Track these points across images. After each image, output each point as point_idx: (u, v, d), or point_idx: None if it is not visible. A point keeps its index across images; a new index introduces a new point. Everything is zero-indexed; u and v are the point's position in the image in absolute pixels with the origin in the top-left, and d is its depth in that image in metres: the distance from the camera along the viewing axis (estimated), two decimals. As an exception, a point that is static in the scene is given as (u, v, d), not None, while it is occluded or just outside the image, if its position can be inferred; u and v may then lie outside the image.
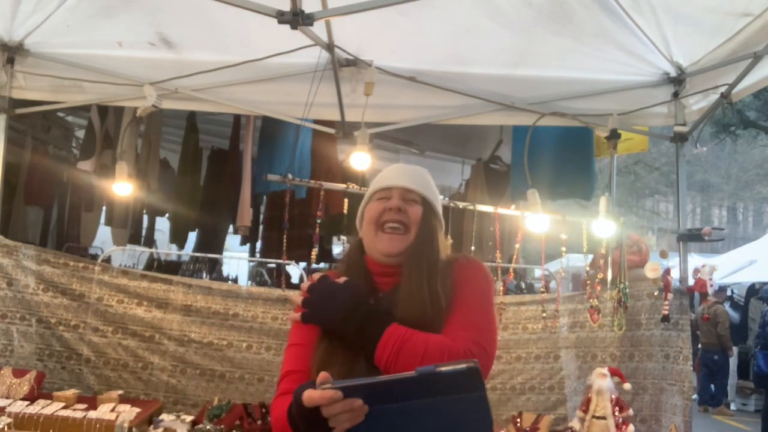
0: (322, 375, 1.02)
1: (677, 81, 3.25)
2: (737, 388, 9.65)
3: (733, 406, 9.45)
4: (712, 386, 9.23)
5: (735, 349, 9.42)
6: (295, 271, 4.32)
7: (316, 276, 1.14)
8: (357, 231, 1.56)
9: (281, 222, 3.29)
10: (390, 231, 1.44)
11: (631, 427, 2.87)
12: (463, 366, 0.95)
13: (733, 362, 9.46)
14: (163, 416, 3.04)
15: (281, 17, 2.34)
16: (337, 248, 6.35)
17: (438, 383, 0.95)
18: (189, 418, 2.99)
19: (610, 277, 3.32)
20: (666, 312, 3.08)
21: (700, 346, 8.88)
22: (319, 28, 2.69)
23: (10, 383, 3.01)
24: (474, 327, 1.31)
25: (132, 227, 5.31)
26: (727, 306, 9.78)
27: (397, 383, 0.98)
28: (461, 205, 3.45)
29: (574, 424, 2.99)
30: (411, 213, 1.46)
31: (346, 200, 3.36)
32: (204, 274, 5.72)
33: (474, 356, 1.18)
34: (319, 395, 0.97)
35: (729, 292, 10.63)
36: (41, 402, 2.92)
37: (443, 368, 0.94)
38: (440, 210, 1.56)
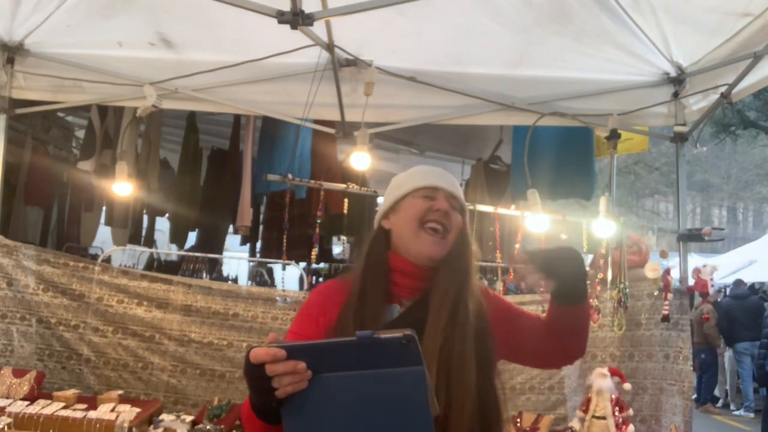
0: (272, 335, 1.03)
1: (677, 81, 3.25)
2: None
3: (732, 407, 9.45)
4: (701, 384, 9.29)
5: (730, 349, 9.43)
6: (295, 271, 4.31)
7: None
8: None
9: (281, 222, 3.30)
10: (432, 233, 1.39)
11: (631, 427, 2.87)
12: (400, 335, 0.95)
13: (732, 362, 9.47)
14: (163, 416, 3.04)
15: (281, 17, 2.34)
16: (337, 248, 6.35)
17: (378, 353, 0.96)
18: (189, 418, 2.99)
19: (610, 277, 3.32)
20: (666, 312, 3.08)
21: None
22: (319, 28, 2.69)
23: (10, 383, 3.01)
24: None
25: (132, 227, 5.31)
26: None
27: (339, 347, 0.99)
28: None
29: (574, 424, 3.00)
30: (453, 219, 1.42)
31: (346, 200, 3.37)
32: (204, 274, 5.72)
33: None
34: (264, 352, 0.97)
35: (725, 293, 10.64)
36: (41, 402, 2.92)
37: (381, 335, 0.96)
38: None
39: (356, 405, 0.99)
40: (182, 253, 5.63)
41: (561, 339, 1.47)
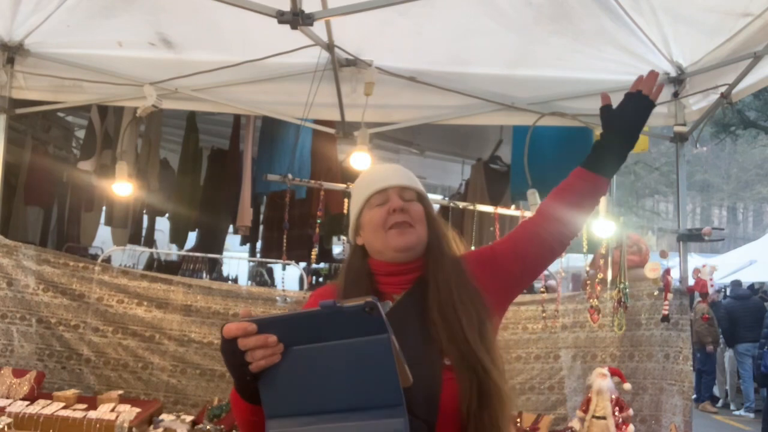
0: (244, 310, 1.06)
1: (677, 81, 3.24)
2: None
3: (732, 407, 9.46)
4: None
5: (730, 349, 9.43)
6: (295, 271, 4.32)
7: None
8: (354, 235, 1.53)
9: (281, 222, 3.30)
10: (397, 227, 1.40)
11: (631, 427, 2.88)
12: (362, 303, 0.96)
13: (731, 362, 9.48)
14: (163, 416, 3.04)
15: (281, 17, 2.34)
16: (337, 248, 6.35)
17: (344, 323, 0.98)
18: (189, 418, 3.00)
19: (610, 277, 3.31)
20: (666, 312, 3.08)
21: None
22: (319, 28, 2.69)
23: (10, 383, 3.01)
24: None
25: (132, 227, 5.31)
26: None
27: (306, 319, 1.01)
28: (461, 205, 3.45)
29: (574, 424, 3.00)
30: (413, 211, 1.42)
31: (346, 200, 3.36)
32: (204, 274, 5.73)
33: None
34: (236, 326, 1.00)
35: (725, 293, 10.65)
36: (41, 402, 2.93)
37: (344, 303, 0.97)
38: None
39: (327, 375, 1.00)
40: (182, 253, 5.63)
41: (564, 208, 1.49)
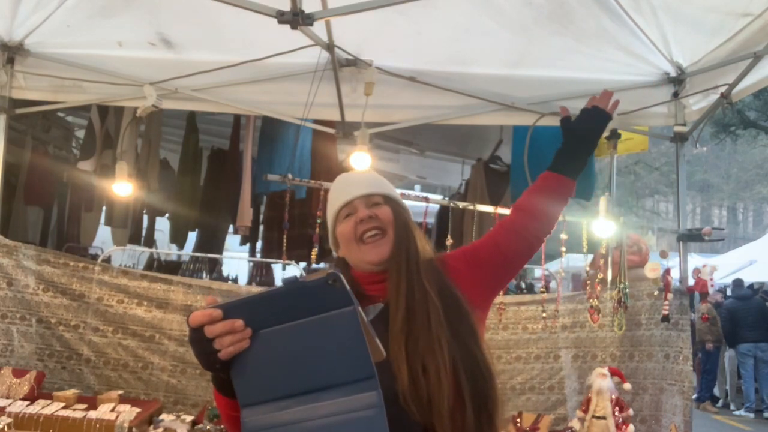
0: (210, 297, 1.04)
1: (677, 81, 3.24)
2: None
3: (732, 407, 9.46)
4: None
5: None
6: (294, 270, 4.32)
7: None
8: None
9: (281, 222, 3.29)
10: (371, 240, 1.42)
11: (631, 427, 2.88)
12: (325, 276, 0.94)
13: (732, 362, 9.48)
14: (163, 416, 3.04)
15: (281, 17, 2.34)
16: (337, 248, 6.35)
17: (309, 300, 0.96)
18: (189, 418, 3.00)
19: (610, 277, 3.31)
20: (666, 312, 3.08)
21: None
22: (319, 28, 2.69)
23: (10, 383, 3.01)
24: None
25: (132, 227, 5.31)
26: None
27: (271, 299, 0.99)
28: (461, 205, 3.45)
29: (574, 424, 3.00)
30: (381, 215, 1.43)
31: (346, 200, 3.36)
32: (204, 274, 5.73)
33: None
34: (200, 314, 0.99)
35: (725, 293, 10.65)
36: (41, 402, 2.93)
37: (306, 279, 0.96)
38: (404, 202, 1.55)
39: (297, 356, 0.98)
40: (182, 253, 5.63)
41: (536, 206, 1.62)
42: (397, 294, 1.34)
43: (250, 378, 1.00)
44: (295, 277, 0.97)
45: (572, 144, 1.78)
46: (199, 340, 1.00)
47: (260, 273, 6.21)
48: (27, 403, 2.89)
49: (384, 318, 1.33)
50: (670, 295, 3.09)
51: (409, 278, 1.36)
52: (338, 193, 1.52)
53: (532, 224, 1.60)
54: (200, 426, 2.95)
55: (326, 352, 0.97)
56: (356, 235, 1.43)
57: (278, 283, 4.71)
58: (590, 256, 3.39)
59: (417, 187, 8.12)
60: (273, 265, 6.01)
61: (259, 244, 5.93)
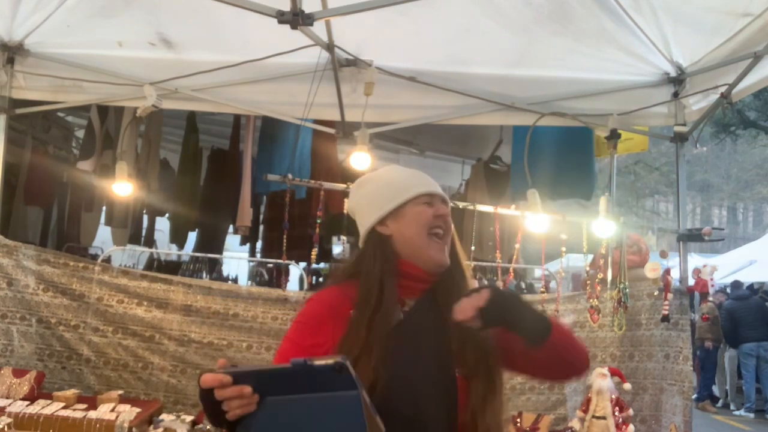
0: (221, 361, 1.09)
1: (677, 81, 3.25)
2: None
3: (732, 407, 9.46)
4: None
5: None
6: (294, 270, 4.32)
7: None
8: (356, 231, 1.52)
9: (281, 222, 3.29)
10: (441, 240, 1.43)
11: (631, 427, 2.88)
12: (332, 362, 1.00)
13: (732, 362, 9.48)
14: (163, 416, 3.04)
15: (281, 17, 2.34)
16: (337, 248, 6.35)
17: (316, 377, 1.02)
18: (189, 418, 2.99)
19: (610, 277, 3.32)
20: (666, 312, 3.08)
21: None
22: (319, 28, 2.69)
23: (10, 383, 3.01)
24: None
25: (132, 227, 5.31)
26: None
27: (280, 373, 1.06)
28: (461, 205, 3.45)
29: (574, 424, 3.00)
30: (449, 226, 1.46)
31: (346, 200, 3.35)
32: (204, 274, 5.72)
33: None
34: (212, 378, 1.03)
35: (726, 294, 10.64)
36: (41, 402, 2.93)
37: (315, 362, 1.01)
38: None
39: (300, 426, 1.05)
40: (182, 253, 5.63)
41: (551, 369, 1.43)
42: (448, 301, 1.31)
43: None
44: (305, 360, 1.01)
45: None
46: (209, 400, 1.05)
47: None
48: (27, 403, 2.89)
49: (413, 321, 1.36)
50: (670, 295, 3.09)
51: (458, 288, 1.38)
52: (420, 180, 1.49)
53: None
54: (200, 426, 2.94)
55: (327, 426, 1.03)
56: (430, 225, 1.42)
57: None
58: (590, 256, 3.38)
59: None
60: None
61: (259, 244, 5.93)
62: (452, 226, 1.48)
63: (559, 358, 1.37)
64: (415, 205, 1.43)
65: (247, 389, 1.03)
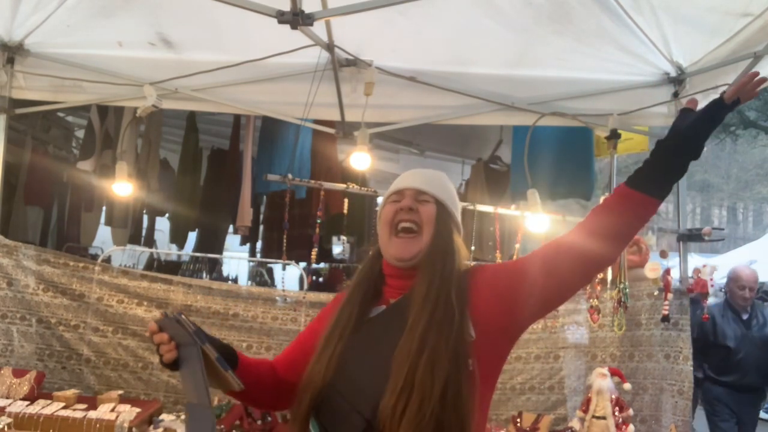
0: (162, 311, 1.33)
1: (677, 81, 3.24)
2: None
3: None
4: None
5: None
6: (295, 271, 4.32)
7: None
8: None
9: (281, 222, 3.29)
10: (403, 235, 1.41)
11: (631, 427, 2.88)
12: (175, 315, 1.27)
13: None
14: (163, 416, 3.04)
15: (281, 17, 2.34)
16: (337, 248, 6.35)
17: (203, 333, 1.29)
18: (189, 418, 2.99)
19: (610, 277, 3.31)
20: (666, 312, 3.08)
21: None
22: (319, 28, 2.69)
23: (10, 383, 3.01)
24: None
25: (132, 227, 5.31)
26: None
27: (171, 323, 1.29)
28: (461, 205, 3.44)
29: (574, 424, 3.00)
30: (423, 212, 1.42)
31: (346, 200, 3.36)
32: (204, 274, 5.72)
33: None
34: (150, 325, 1.31)
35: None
36: (41, 402, 2.93)
37: (178, 316, 1.27)
38: (458, 215, 1.50)
39: (193, 370, 1.28)
40: (182, 253, 5.63)
41: (600, 230, 1.32)
42: (422, 304, 1.31)
43: (181, 373, 1.32)
44: (179, 312, 1.29)
45: (670, 144, 1.39)
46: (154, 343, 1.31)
47: (258, 274, 6.20)
48: (27, 403, 2.89)
49: (396, 313, 1.36)
50: (670, 295, 3.09)
51: (438, 290, 1.32)
52: (397, 181, 1.52)
53: (593, 249, 1.31)
54: (200, 426, 2.94)
55: (193, 374, 1.27)
56: (393, 221, 1.43)
57: (277, 283, 4.71)
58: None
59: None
60: (272, 265, 5.99)
61: (259, 244, 5.93)
62: (434, 215, 1.42)
63: (628, 221, 1.31)
64: (386, 207, 1.48)
65: (165, 336, 1.28)
